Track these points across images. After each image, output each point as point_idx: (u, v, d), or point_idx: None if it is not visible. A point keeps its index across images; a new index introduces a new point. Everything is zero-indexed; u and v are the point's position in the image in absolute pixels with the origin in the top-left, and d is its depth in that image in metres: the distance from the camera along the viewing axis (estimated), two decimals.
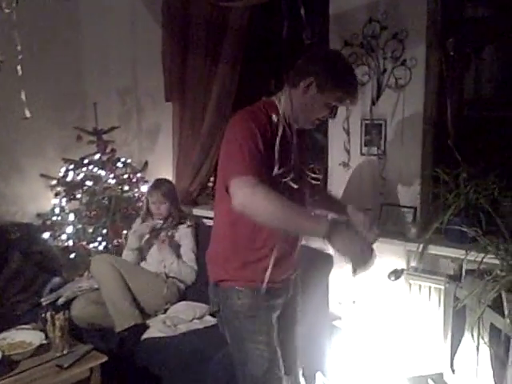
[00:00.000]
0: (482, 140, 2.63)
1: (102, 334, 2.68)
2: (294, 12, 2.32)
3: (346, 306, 2.76)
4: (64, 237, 3.34)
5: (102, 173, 3.40)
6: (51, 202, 3.45)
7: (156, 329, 2.62)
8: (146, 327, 2.65)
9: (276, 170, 1.65)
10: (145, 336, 2.59)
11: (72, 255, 3.35)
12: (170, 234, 3.02)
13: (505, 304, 1.70)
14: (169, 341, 2.52)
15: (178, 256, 2.99)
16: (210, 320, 2.66)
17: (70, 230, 3.32)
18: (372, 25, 2.59)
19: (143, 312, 2.77)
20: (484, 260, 1.84)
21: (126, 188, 3.49)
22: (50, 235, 3.38)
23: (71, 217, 3.34)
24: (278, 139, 1.65)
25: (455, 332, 2.12)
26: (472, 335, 1.85)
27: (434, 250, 2.41)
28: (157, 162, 3.79)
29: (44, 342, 2.28)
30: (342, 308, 2.77)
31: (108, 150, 3.51)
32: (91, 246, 3.33)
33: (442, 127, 2.58)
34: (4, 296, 3.00)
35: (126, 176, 3.52)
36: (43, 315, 2.35)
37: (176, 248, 3.01)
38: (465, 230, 2.13)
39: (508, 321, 1.68)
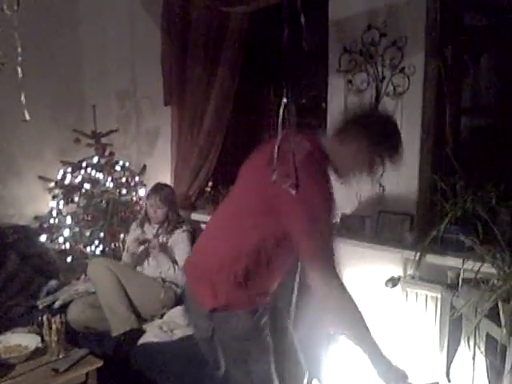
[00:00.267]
0: (479, 148, 2.64)
1: (98, 339, 2.67)
2: (293, 18, 2.32)
3: None
4: (61, 240, 3.33)
5: (100, 176, 3.40)
6: (49, 204, 3.45)
7: (152, 334, 2.62)
8: (142, 332, 2.65)
9: None
10: (141, 341, 2.58)
11: (69, 258, 3.35)
12: (163, 239, 3.00)
13: (501, 314, 1.70)
14: (165, 346, 2.52)
15: (174, 261, 2.97)
16: None
17: (67, 232, 3.32)
18: (371, 32, 2.60)
19: (139, 317, 2.76)
20: (481, 269, 1.84)
21: (124, 191, 3.49)
22: (47, 238, 3.38)
23: (68, 220, 3.34)
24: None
25: (451, 341, 2.12)
26: (468, 344, 1.84)
27: (431, 258, 2.40)
28: (155, 166, 3.78)
29: (40, 345, 2.27)
30: None
31: (106, 153, 3.51)
32: (88, 249, 3.33)
33: (439, 135, 2.59)
34: (0, 299, 2.99)
35: (124, 179, 3.52)
36: (39, 318, 2.35)
37: (170, 254, 2.99)
38: (462, 238, 2.13)
39: (504, 331, 1.68)
